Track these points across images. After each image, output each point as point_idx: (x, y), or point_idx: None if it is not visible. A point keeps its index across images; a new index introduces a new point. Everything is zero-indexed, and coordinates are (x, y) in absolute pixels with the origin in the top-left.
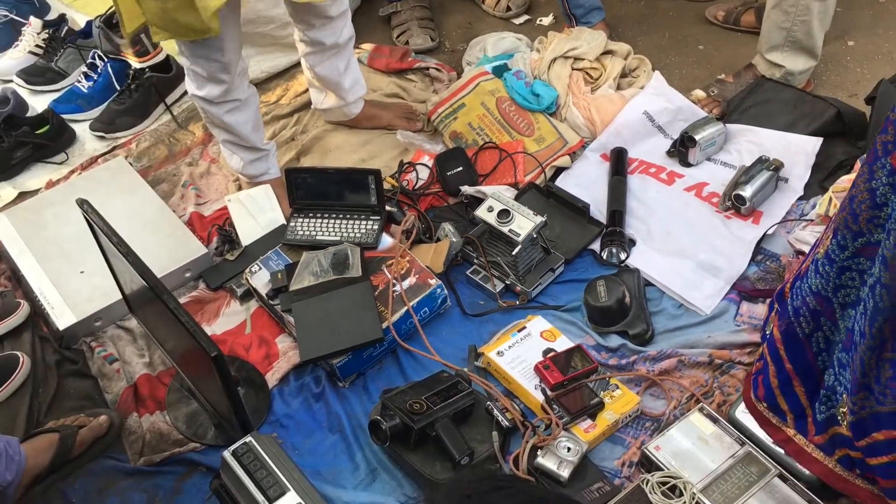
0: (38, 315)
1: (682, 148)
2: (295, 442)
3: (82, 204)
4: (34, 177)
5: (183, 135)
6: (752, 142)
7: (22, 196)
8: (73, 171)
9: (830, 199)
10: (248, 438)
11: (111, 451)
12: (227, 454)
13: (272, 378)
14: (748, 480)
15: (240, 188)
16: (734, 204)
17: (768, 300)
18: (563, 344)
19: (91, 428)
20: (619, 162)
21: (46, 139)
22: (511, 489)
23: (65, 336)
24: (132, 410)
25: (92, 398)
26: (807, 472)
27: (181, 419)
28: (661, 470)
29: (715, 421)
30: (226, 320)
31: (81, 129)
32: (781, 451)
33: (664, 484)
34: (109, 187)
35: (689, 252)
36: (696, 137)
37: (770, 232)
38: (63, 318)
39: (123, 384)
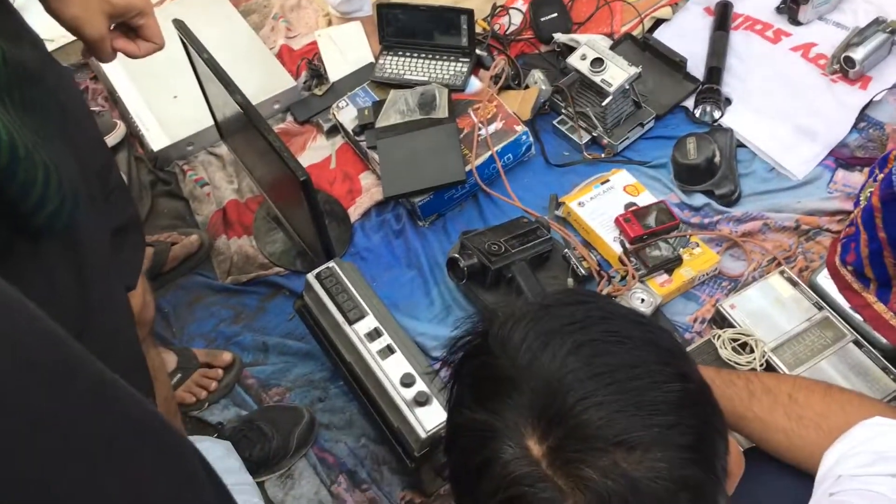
0: (133, 136)
1: (793, 4)
2: (374, 274)
3: (179, 25)
4: None
5: None
6: (869, 1)
7: None
8: None
9: None
10: (332, 264)
11: (201, 269)
12: (310, 277)
13: (354, 213)
14: (822, 343)
15: (329, 23)
16: (842, 67)
17: (866, 168)
18: (646, 199)
19: (183, 245)
20: (723, 16)
21: None
22: (592, 304)
23: (158, 157)
24: (221, 233)
25: (183, 218)
26: (883, 339)
27: (267, 245)
28: (734, 327)
29: (794, 284)
30: (311, 154)
31: None
32: (860, 317)
33: (735, 340)
34: (202, 14)
35: (788, 115)
36: None
37: (877, 98)
38: (157, 140)
39: (213, 207)
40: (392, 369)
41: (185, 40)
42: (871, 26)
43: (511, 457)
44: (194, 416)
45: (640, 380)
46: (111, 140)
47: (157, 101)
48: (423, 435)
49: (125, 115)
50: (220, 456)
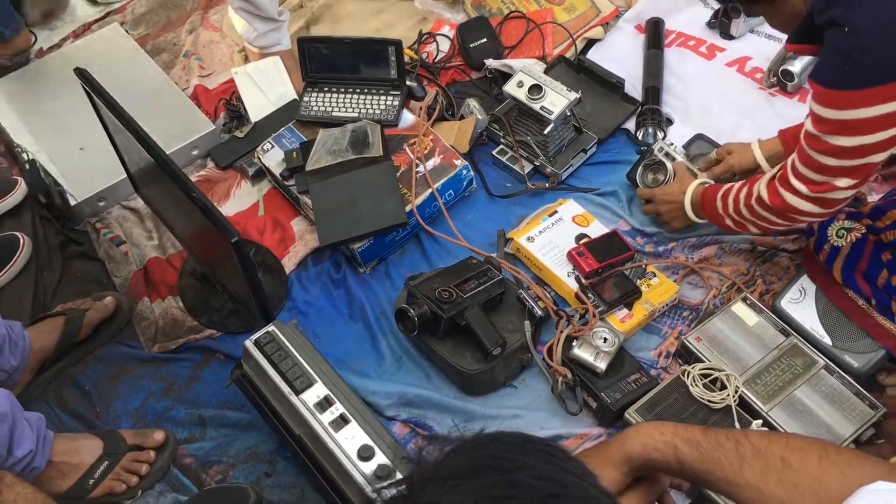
0: None
1: (724, 18)
2: (316, 330)
3: (81, 73)
4: None
5: None
6: None
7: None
8: (64, 39)
9: None
10: (271, 327)
11: (124, 338)
12: (249, 344)
13: (289, 263)
14: (793, 373)
15: (246, 59)
16: (780, 80)
17: None
18: (596, 229)
19: (97, 309)
20: (655, 34)
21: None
22: (498, 474)
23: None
24: (143, 295)
25: (100, 281)
26: (854, 363)
27: (195, 305)
28: (702, 361)
29: (758, 311)
30: (237, 202)
31: None
32: (828, 342)
33: (706, 376)
34: (106, 57)
35: (731, 132)
36: (741, 6)
37: None
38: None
39: (132, 268)
40: (347, 442)
41: (87, 89)
42: None
43: None
44: None
45: None
46: (11, 200)
47: (62, 154)
48: None
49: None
50: None
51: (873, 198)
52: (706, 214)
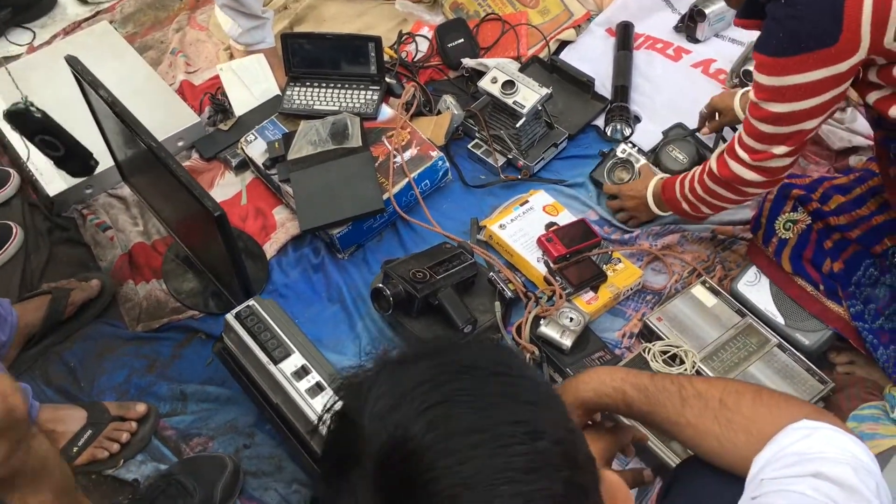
0: (26, 182)
1: (690, 23)
2: (295, 311)
3: (72, 61)
4: (14, 41)
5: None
6: None
7: (3, 60)
8: (55, 37)
9: None
10: (251, 302)
11: (109, 318)
12: (229, 317)
13: (270, 249)
14: (748, 350)
15: (231, 57)
16: (742, 81)
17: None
18: (565, 218)
19: (82, 289)
20: (625, 36)
21: (27, 1)
22: (450, 355)
23: (55, 203)
24: (128, 278)
25: (86, 265)
26: (805, 341)
27: (178, 288)
28: (662, 339)
29: (716, 294)
30: (221, 191)
31: None
32: (781, 322)
33: (665, 353)
34: (95, 53)
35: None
36: (706, 12)
37: None
38: (53, 184)
39: (118, 252)
40: (322, 407)
41: (79, 77)
42: None
43: None
44: (108, 475)
45: (485, 446)
46: (7, 192)
47: None
48: None
49: (16, 161)
50: None
51: None
52: (666, 201)
